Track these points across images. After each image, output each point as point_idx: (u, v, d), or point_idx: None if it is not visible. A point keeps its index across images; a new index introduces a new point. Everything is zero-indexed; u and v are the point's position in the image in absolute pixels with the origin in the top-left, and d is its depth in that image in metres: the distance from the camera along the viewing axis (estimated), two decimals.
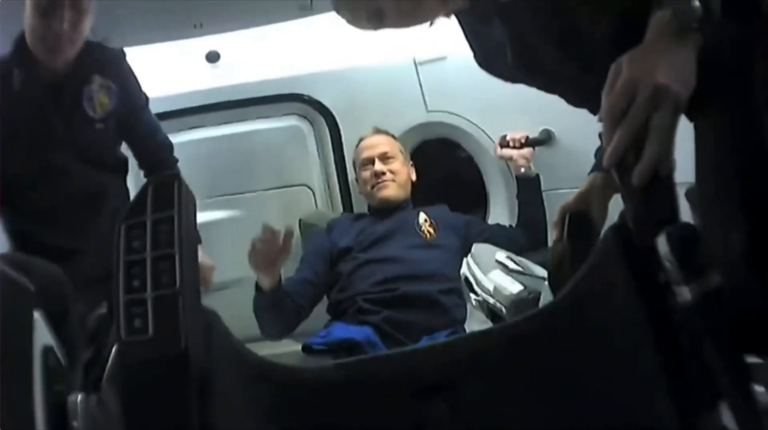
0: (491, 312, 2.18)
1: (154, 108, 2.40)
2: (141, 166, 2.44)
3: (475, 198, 2.89)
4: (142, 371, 0.81)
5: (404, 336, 2.22)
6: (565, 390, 0.92)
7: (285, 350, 2.46)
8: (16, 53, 2.08)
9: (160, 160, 2.40)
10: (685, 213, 0.94)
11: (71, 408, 0.85)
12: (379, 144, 2.68)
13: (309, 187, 2.96)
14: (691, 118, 0.99)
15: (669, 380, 0.86)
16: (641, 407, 0.88)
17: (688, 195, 1.01)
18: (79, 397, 0.86)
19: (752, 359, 0.83)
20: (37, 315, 0.87)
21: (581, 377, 0.92)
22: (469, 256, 2.35)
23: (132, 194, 2.22)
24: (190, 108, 2.86)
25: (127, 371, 0.82)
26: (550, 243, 1.70)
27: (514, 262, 2.22)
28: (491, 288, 2.16)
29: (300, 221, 2.83)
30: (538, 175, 2.61)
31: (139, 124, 2.35)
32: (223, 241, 2.63)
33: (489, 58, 1.34)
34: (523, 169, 2.60)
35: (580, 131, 1.76)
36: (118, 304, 0.82)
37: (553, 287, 1.43)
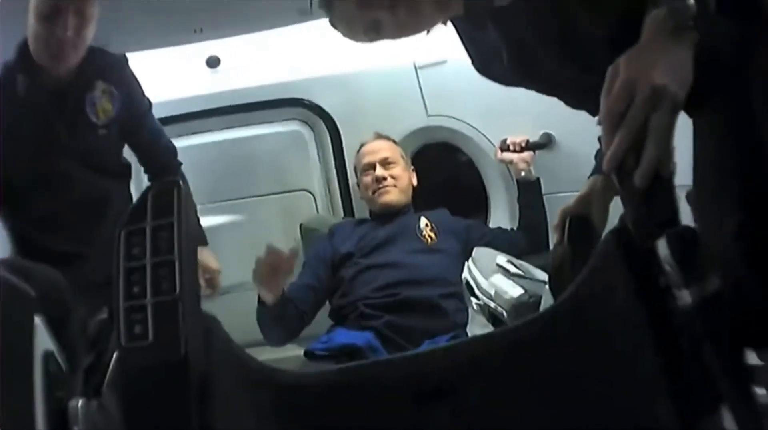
0: (492, 316, 2.17)
1: (155, 113, 2.40)
2: (145, 170, 2.45)
3: (476, 202, 2.89)
4: (143, 377, 0.81)
5: (405, 341, 2.22)
6: (566, 393, 0.92)
7: (286, 354, 2.46)
8: (20, 59, 2.08)
9: (164, 165, 2.41)
10: (686, 216, 0.94)
11: (72, 414, 0.85)
12: (381, 149, 2.68)
13: (310, 192, 2.96)
14: (690, 114, 0.99)
15: (669, 383, 0.86)
16: (642, 410, 0.88)
17: (688, 198, 1.01)
18: (80, 402, 0.86)
19: (752, 361, 0.83)
20: (37, 320, 0.87)
21: (582, 380, 0.92)
22: (469, 260, 2.34)
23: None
24: (190, 113, 2.85)
25: (128, 376, 0.82)
26: (551, 246, 1.70)
27: (515, 265, 2.21)
28: (492, 292, 2.15)
29: (301, 225, 2.83)
30: (538, 179, 2.60)
31: (143, 129, 2.35)
32: (224, 246, 2.62)
33: (486, 63, 1.34)
34: (523, 173, 2.60)
35: (580, 134, 1.76)
36: (118, 310, 0.83)
37: (554, 291, 1.43)
